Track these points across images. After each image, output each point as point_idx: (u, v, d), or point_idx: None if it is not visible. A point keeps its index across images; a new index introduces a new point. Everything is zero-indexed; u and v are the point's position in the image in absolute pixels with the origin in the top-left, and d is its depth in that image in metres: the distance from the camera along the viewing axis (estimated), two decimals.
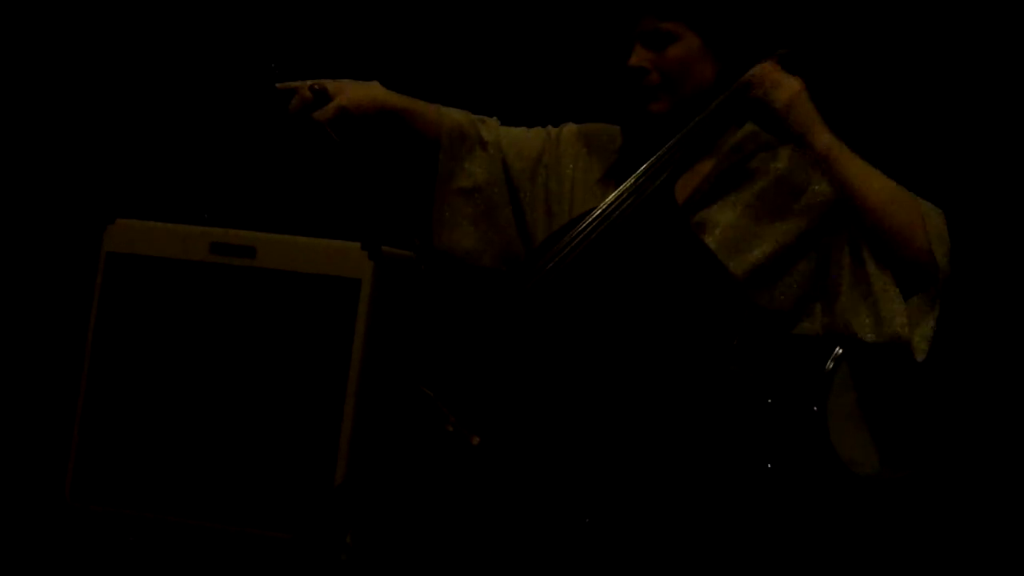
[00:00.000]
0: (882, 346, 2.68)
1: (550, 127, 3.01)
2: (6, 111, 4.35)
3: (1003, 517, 3.51)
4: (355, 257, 3.49)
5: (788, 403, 2.69)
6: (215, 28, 4.27)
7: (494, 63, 4.05)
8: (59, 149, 4.34)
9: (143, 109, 4.31)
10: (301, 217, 3.85)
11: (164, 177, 4.27)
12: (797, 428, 2.79)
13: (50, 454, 3.80)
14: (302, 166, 4.08)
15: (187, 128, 4.29)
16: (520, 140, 2.98)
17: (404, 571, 2.67)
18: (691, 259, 2.67)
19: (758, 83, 2.69)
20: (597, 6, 2.90)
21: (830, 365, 3.08)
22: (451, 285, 3.02)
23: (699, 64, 2.77)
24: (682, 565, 2.62)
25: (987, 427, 3.62)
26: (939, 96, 3.72)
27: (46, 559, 3.65)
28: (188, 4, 4.29)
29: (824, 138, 2.68)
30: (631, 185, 2.70)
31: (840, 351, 3.06)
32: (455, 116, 2.96)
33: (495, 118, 3.01)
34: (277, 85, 2.84)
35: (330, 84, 2.84)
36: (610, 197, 2.71)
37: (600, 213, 2.69)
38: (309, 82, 2.83)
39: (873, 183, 2.68)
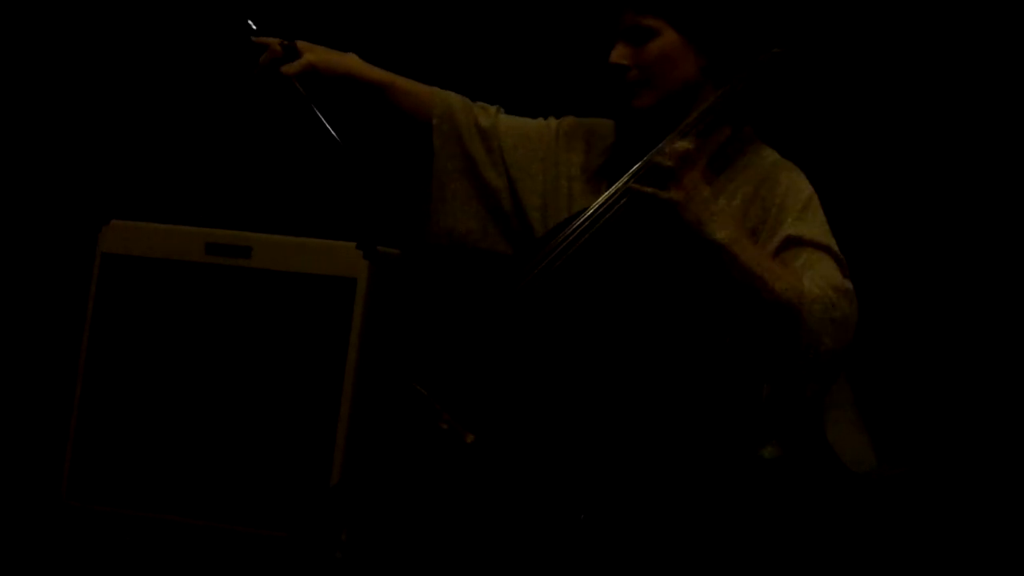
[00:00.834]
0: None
1: (551, 119, 3.01)
2: (1, 112, 4.35)
3: (1000, 514, 3.51)
4: (350, 256, 3.50)
5: (783, 398, 2.68)
6: (210, 28, 4.26)
7: (487, 59, 4.04)
8: (54, 150, 4.34)
9: (138, 110, 4.31)
10: (296, 217, 3.85)
11: (159, 178, 4.26)
12: (793, 424, 2.79)
13: (46, 454, 3.80)
14: (298, 166, 4.09)
15: (182, 129, 4.29)
16: (520, 129, 2.98)
17: (399, 569, 2.67)
18: (684, 257, 2.67)
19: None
20: (583, 3, 2.90)
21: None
22: (445, 282, 3.02)
23: (680, 59, 2.78)
24: (678, 563, 2.62)
25: (983, 423, 3.62)
26: (932, 94, 3.72)
27: (42, 558, 3.65)
28: (184, 5, 4.29)
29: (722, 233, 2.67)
30: (623, 184, 2.71)
31: None
32: (449, 99, 2.96)
33: (498, 106, 3.01)
34: (252, 39, 2.86)
35: (302, 43, 2.87)
36: (603, 196, 2.72)
37: (593, 211, 2.71)
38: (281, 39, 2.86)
39: (762, 284, 2.66)
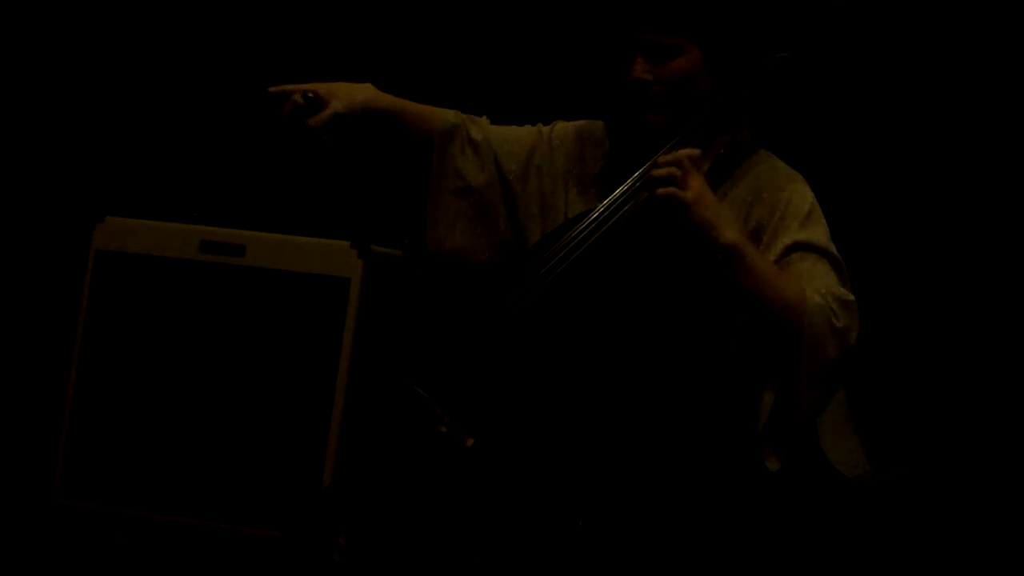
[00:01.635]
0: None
1: (540, 125, 3.01)
2: None
3: (996, 516, 3.52)
4: (344, 256, 3.50)
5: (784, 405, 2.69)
6: (206, 26, 4.26)
7: (491, 67, 4.05)
8: (48, 147, 4.33)
9: (133, 107, 4.30)
10: (291, 216, 3.85)
11: (154, 175, 4.26)
12: (793, 432, 2.79)
13: (39, 452, 3.79)
14: (292, 165, 4.08)
15: (177, 126, 4.28)
16: (511, 138, 2.98)
17: (397, 572, 2.67)
18: (689, 261, 2.68)
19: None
20: (595, 16, 2.90)
21: None
22: (444, 285, 3.02)
23: (702, 76, 2.79)
24: (676, 566, 2.62)
25: (978, 426, 3.63)
26: (937, 99, 3.73)
27: (34, 556, 3.64)
28: (180, 3, 4.28)
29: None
30: (627, 188, 2.71)
31: None
32: (446, 116, 2.96)
33: (485, 117, 3.01)
34: (269, 89, 2.84)
35: (322, 89, 2.84)
36: (606, 200, 2.72)
37: (596, 216, 2.71)
38: (301, 87, 2.83)
39: (766, 291, 2.67)
